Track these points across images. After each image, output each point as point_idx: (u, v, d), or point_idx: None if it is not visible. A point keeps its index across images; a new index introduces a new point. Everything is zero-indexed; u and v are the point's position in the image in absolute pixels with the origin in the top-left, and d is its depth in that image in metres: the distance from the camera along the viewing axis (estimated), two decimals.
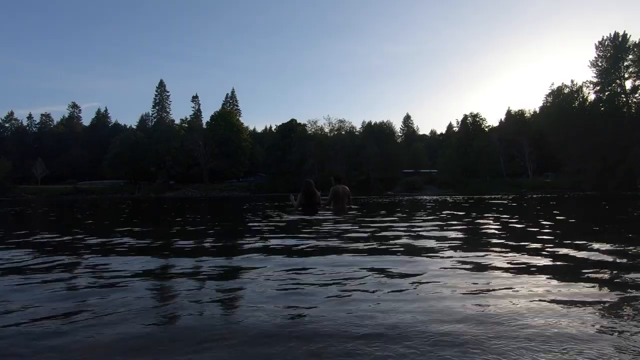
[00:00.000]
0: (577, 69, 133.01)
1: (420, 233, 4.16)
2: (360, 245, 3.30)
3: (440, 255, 2.81)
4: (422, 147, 76.11)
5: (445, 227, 4.79)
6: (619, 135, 42.14)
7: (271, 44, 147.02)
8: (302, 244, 3.37)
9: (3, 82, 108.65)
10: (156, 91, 78.93)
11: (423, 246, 3.27)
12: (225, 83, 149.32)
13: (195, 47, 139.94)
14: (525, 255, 2.75)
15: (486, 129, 64.43)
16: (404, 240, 3.60)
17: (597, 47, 48.45)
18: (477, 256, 2.74)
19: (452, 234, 4.10)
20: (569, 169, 47.81)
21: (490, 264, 2.46)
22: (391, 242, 3.52)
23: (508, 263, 2.49)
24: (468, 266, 2.40)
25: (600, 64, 48.17)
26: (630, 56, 45.98)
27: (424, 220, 5.92)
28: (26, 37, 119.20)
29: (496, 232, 4.33)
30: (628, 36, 46.28)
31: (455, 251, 2.98)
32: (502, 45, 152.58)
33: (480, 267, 2.38)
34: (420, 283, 2.00)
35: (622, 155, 41.12)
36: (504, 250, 3.01)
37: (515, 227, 4.98)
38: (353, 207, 7.98)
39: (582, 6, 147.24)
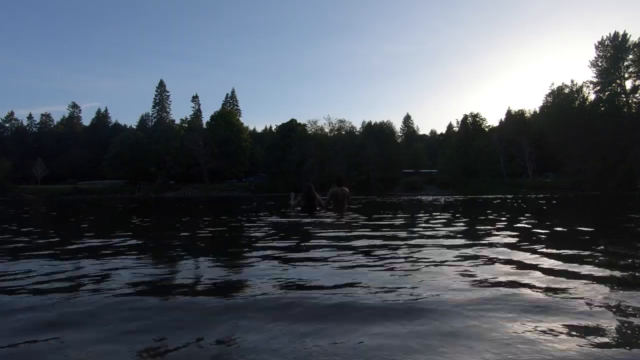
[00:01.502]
0: (577, 69, 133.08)
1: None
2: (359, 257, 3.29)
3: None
4: (422, 147, 76.02)
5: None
6: (619, 135, 42.09)
7: (271, 44, 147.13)
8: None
9: (3, 82, 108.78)
10: (156, 91, 78.95)
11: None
12: (225, 83, 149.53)
13: (195, 47, 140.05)
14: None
15: (486, 129, 64.39)
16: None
17: (597, 47, 48.43)
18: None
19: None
20: (569, 169, 47.75)
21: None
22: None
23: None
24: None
25: (600, 64, 48.12)
26: (630, 56, 45.93)
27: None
28: (26, 37, 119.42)
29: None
30: (628, 36, 46.29)
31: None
32: (502, 45, 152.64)
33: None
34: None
35: (622, 155, 41.08)
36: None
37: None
38: (352, 206, 8.34)
39: (582, 6, 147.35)
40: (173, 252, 3.05)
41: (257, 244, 3.47)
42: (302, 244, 3.40)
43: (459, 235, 3.98)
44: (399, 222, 5.79)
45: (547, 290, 1.79)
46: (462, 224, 5.43)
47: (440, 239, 3.66)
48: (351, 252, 2.93)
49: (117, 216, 9.19)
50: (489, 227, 4.85)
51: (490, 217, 6.72)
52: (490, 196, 23.19)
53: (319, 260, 2.61)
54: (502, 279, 2.02)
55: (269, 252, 2.97)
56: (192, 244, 3.49)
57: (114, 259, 2.71)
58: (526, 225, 5.14)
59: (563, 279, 2.01)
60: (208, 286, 1.91)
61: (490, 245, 3.27)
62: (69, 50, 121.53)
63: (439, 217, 6.86)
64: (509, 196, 23.12)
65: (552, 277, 2.05)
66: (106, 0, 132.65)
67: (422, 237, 3.86)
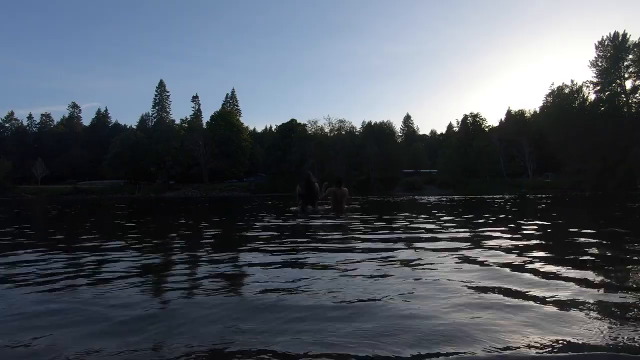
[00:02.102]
0: (577, 69, 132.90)
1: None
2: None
3: None
4: (422, 147, 76.07)
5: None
6: (619, 135, 42.11)
7: (271, 44, 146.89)
8: None
9: (3, 82, 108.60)
10: (156, 91, 78.92)
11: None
12: (225, 83, 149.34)
13: (195, 47, 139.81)
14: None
15: (486, 129, 64.45)
16: None
17: (597, 47, 48.44)
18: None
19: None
20: (569, 169, 47.79)
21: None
22: None
23: None
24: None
25: (600, 64, 48.14)
26: (630, 56, 45.95)
27: None
28: (26, 37, 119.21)
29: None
30: (628, 36, 46.29)
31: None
32: (502, 45, 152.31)
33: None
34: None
35: (622, 155, 41.09)
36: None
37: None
38: (354, 205, 8.54)
39: (582, 6, 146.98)
40: (166, 276, 2.59)
41: (251, 258, 3.25)
42: (298, 256, 3.24)
43: (462, 243, 3.82)
44: (397, 225, 5.78)
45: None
46: (464, 228, 5.40)
47: (443, 250, 3.41)
48: (348, 268, 2.64)
49: (114, 219, 9.18)
50: (494, 233, 4.73)
51: (493, 219, 6.68)
52: (490, 196, 23.15)
53: (314, 280, 2.38)
54: (534, 318, 1.53)
55: (262, 271, 2.64)
56: (186, 264, 2.90)
57: (99, 287, 2.22)
58: (537, 232, 5.05)
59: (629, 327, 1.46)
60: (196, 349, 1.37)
61: (503, 265, 2.63)
62: (69, 50, 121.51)
63: (438, 219, 6.84)
64: (509, 196, 23.09)
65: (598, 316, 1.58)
66: (106, 0, 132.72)
67: (422, 247, 3.57)
